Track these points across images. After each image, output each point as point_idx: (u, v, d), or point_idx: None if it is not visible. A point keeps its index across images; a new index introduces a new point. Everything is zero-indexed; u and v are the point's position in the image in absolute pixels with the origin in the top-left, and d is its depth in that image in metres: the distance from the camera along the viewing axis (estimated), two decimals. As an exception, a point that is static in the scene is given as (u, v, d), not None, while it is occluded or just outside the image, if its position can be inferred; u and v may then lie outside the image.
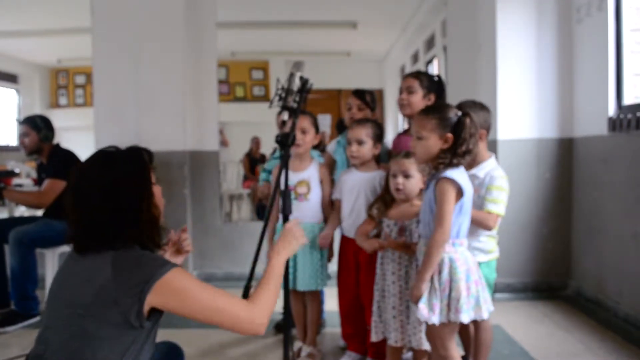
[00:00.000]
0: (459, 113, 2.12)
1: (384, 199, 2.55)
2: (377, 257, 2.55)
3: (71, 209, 1.60)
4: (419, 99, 2.82)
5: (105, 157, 1.65)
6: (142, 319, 1.50)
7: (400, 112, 2.98)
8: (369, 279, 2.68)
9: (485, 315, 2.11)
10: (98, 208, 1.56)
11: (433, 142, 2.11)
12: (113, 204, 1.56)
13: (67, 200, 1.61)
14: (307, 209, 2.90)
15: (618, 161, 3.51)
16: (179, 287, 1.53)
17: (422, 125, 2.14)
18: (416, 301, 2.08)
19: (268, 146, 9.74)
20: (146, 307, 1.50)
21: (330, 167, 3.08)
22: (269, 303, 1.66)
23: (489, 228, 2.43)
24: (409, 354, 2.74)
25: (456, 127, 2.09)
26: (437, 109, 2.23)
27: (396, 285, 2.44)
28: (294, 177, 2.86)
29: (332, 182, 3.00)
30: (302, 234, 1.93)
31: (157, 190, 1.71)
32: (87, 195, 1.58)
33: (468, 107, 2.41)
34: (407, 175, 2.41)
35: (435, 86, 2.91)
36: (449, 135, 2.09)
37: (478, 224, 2.39)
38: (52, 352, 1.50)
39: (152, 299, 1.50)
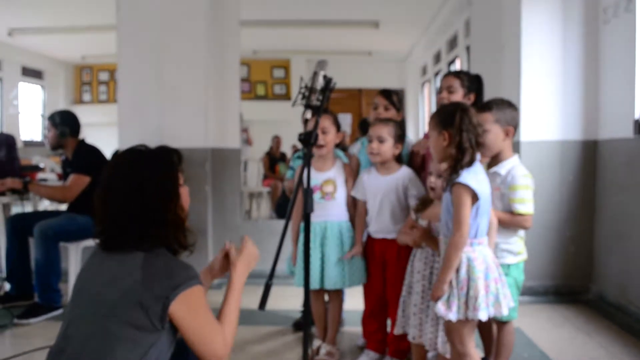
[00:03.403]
0: (456, 110, 2.13)
1: (424, 199, 2.57)
2: (410, 255, 2.56)
3: (99, 205, 1.62)
4: (459, 98, 2.82)
5: (135, 155, 1.67)
6: (164, 322, 1.52)
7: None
8: (395, 276, 2.71)
9: (505, 311, 2.13)
10: (125, 205, 1.58)
11: (435, 141, 2.17)
12: (140, 202, 1.58)
13: (96, 196, 1.63)
14: (334, 208, 2.90)
15: (644, 164, 3.45)
16: (195, 304, 1.57)
17: (429, 125, 2.22)
18: (436, 301, 2.12)
19: (288, 145, 9.77)
20: (168, 313, 1.52)
21: (356, 169, 3.06)
22: (235, 329, 1.72)
23: (526, 229, 2.46)
24: (431, 354, 2.73)
25: (451, 124, 2.10)
26: (440, 108, 2.30)
27: (420, 284, 2.46)
28: (319, 177, 2.87)
29: None
30: (256, 252, 1.96)
31: (184, 191, 1.73)
32: (114, 192, 1.60)
33: (495, 104, 2.44)
34: (440, 175, 2.40)
35: (476, 85, 2.91)
36: (445, 132, 2.12)
37: (515, 227, 2.43)
38: (74, 348, 1.51)
39: (174, 307, 1.52)
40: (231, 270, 1.84)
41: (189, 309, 1.55)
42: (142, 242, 1.57)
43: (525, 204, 2.40)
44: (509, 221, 2.40)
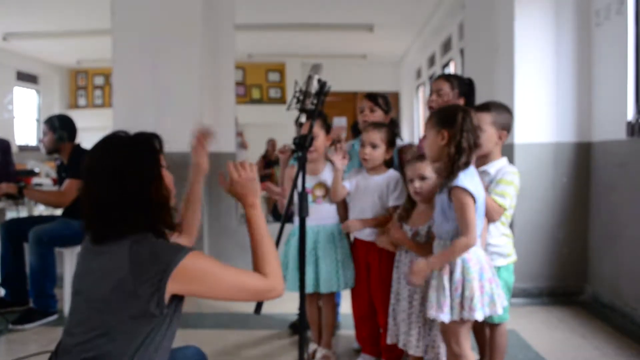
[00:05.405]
0: (458, 111, 2.15)
1: (405, 205, 2.58)
2: (393, 261, 2.56)
3: (84, 196, 1.62)
4: (449, 101, 2.82)
5: (114, 140, 1.67)
6: (163, 306, 1.52)
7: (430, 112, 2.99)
8: (379, 280, 2.71)
9: (499, 310, 2.14)
10: (106, 191, 1.57)
11: (432, 140, 2.17)
12: (121, 186, 1.57)
13: (80, 187, 1.64)
14: (324, 211, 2.92)
15: (636, 166, 3.47)
16: (198, 271, 1.55)
17: (426, 125, 2.23)
18: (410, 282, 2.15)
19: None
20: (167, 295, 1.52)
21: None
22: (277, 265, 1.70)
23: (492, 220, 2.36)
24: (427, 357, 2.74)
25: (451, 124, 2.11)
26: (440, 108, 2.32)
27: (406, 290, 2.46)
28: (310, 180, 2.88)
29: None
30: (249, 166, 1.76)
31: (167, 176, 1.71)
32: (96, 179, 1.60)
33: (494, 106, 2.47)
34: (423, 178, 2.43)
35: (466, 89, 2.91)
36: (444, 131, 2.12)
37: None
38: (76, 344, 1.53)
39: (173, 286, 1.52)
40: (246, 211, 1.76)
41: (194, 279, 1.54)
42: (127, 228, 1.57)
43: (505, 197, 2.35)
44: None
